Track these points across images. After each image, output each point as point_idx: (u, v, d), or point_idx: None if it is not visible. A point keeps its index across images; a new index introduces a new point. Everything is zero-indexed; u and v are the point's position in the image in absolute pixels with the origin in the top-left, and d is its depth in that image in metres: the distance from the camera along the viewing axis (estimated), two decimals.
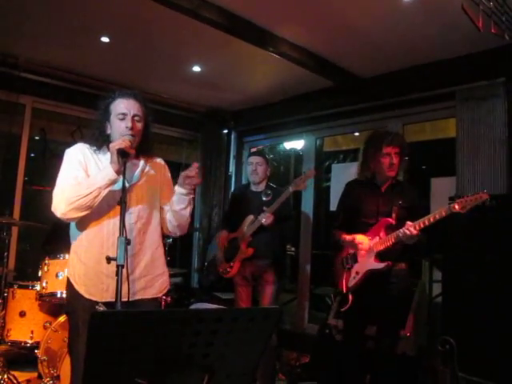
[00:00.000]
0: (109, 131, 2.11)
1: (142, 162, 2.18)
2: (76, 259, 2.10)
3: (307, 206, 5.09)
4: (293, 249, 5.93)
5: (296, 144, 6.04)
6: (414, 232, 2.62)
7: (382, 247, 2.80)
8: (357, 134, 5.07)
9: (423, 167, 5.49)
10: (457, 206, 2.48)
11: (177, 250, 5.72)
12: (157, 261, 2.20)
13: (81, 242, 2.09)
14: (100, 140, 2.10)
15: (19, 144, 4.52)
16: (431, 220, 2.59)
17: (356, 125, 4.75)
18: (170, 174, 2.36)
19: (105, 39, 3.79)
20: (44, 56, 4.25)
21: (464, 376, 2.86)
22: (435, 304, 3.72)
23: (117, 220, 1.92)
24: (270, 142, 6.18)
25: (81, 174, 2.03)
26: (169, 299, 3.86)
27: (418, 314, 3.51)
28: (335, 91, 4.58)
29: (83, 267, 2.07)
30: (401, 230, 2.67)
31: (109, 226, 2.05)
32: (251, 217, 3.58)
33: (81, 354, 1.96)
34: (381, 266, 2.79)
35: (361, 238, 2.89)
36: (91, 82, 4.64)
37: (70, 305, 2.14)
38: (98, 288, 2.03)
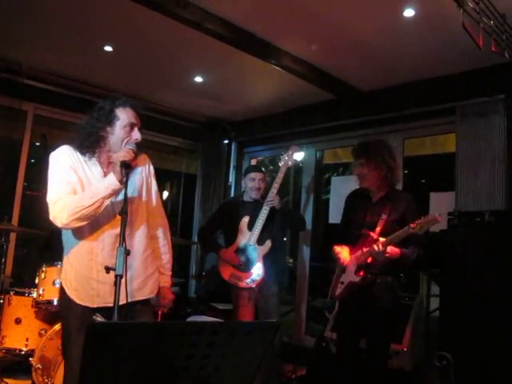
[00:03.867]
0: (106, 134, 2.06)
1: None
2: (69, 265, 2.10)
3: (306, 218, 5.06)
4: (291, 260, 5.92)
5: (296, 156, 6.04)
6: (381, 248, 2.67)
7: (359, 261, 2.84)
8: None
9: (422, 181, 5.51)
10: (415, 227, 2.57)
11: (174, 259, 5.70)
12: (146, 261, 2.20)
13: (73, 247, 2.09)
14: (91, 139, 2.05)
15: (20, 150, 4.54)
16: (396, 238, 2.66)
17: (356, 138, 4.74)
18: (153, 174, 2.31)
19: (108, 48, 3.82)
20: (47, 63, 4.28)
21: None
22: (432, 319, 3.71)
23: (108, 227, 2.02)
24: (270, 154, 6.19)
25: (73, 178, 2.01)
26: (166, 309, 3.84)
27: (415, 328, 3.49)
28: (336, 104, 4.61)
29: (74, 272, 2.08)
30: (373, 246, 2.73)
31: (98, 232, 2.04)
32: (247, 217, 3.59)
33: (73, 361, 1.99)
34: (356, 279, 2.84)
35: (339, 249, 2.98)
36: (93, 90, 4.66)
37: (63, 311, 2.15)
38: (88, 294, 2.04)
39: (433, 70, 3.79)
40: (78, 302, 2.04)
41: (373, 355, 2.85)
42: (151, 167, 2.30)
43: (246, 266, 3.53)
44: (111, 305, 1.95)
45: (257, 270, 3.50)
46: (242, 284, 3.51)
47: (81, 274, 2.05)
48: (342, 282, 2.95)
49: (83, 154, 2.07)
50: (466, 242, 3.13)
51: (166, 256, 2.35)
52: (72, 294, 2.06)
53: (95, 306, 2.02)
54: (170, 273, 2.38)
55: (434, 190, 4.10)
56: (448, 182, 3.81)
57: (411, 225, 2.60)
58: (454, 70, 3.70)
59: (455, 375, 2.86)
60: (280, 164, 3.71)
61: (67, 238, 2.11)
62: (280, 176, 3.64)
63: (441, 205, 3.81)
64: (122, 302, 1.94)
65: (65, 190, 1.98)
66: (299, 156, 5.49)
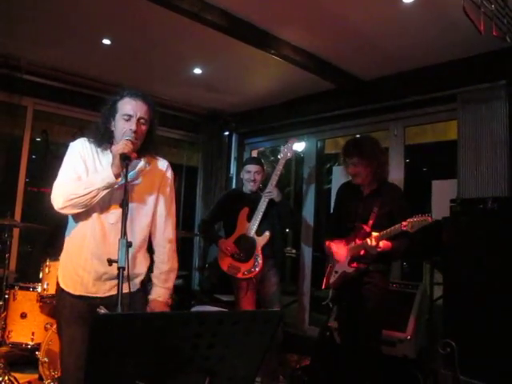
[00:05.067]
0: (113, 128, 2.09)
1: (141, 162, 2.16)
2: (65, 249, 2.15)
3: (308, 207, 5.09)
4: (294, 251, 5.92)
5: (297, 146, 6.03)
6: (374, 243, 2.80)
7: (353, 252, 2.99)
8: (358, 136, 5.07)
9: (424, 169, 5.50)
10: (406, 226, 2.70)
11: (178, 251, 5.72)
12: (135, 261, 2.12)
13: (70, 233, 2.13)
14: (104, 135, 2.10)
15: (21, 146, 4.54)
16: (388, 233, 2.79)
17: (357, 127, 4.75)
18: (171, 182, 2.28)
19: (106, 41, 3.80)
20: (46, 58, 4.26)
21: (465, 379, 2.85)
22: (436, 306, 3.71)
23: (101, 217, 2.03)
24: (270, 144, 6.18)
25: (80, 167, 2.05)
26: (169, 301, 3.85)
27: (418, 316, 3.50)
28: (336, 93, 4.58)
29: (65, 257, 2.13)
30: (365, 240, 2.85)
31: (92, 221, 2.04)
32: (246, 209, 3.61)
33: (64, 350, 2.03)
34: (350, 270, 3.00)
35: (336, 247, 3.12)
36: (93, 84, 4.65)
37: (57, 303, 2.18)
38: (72, 280, 2.06)
39: (433, 57, 3.76)
40: (62, 286, 2.07)
41: (365, 340, 2.95)
42: (168, 173, 2.27)
43: (244, 257, 3.56)
44: (93, 295, 2.04)
45: (254, 261, 3.52)
46: (240, 274, 3.54)
47: (70, 259, 2.09)
48: (336, 272, 3.10)
49: (99, 146, 2.11)
50: (469, 229, 3.12)
51: (163, 266, 2.23)
52: (59, 278, 2.11)
53: (77, 293, 2.04)
54: (167, 286, 2.22)
55: (436, 178, 4.08)
56: (450, 170, 3.80)
57: (403, 223, 2.71)
58: (455, 56, 3.67)
59: (459, 362, 2.86)
60: (279, 156, 3.74)
61: (70, 223, 2.14)
62: (279, 168, 3.67)
63: (443, 193, 3.80)
64: (100, 294, 2.03)
65: (69, 176, 2.02)
66: (300, 146, 5.50)
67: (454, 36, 3.31)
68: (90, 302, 2.03)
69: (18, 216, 4.38)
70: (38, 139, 4.86)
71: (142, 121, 2.06)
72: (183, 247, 5.78)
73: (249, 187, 3.72)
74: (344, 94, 4.56)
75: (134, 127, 2.02)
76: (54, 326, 3.22)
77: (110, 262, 1.74)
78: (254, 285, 3.53)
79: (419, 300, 3.58)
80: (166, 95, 5.11)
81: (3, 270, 3.55)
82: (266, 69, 4.26)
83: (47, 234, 4.12)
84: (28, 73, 4.32)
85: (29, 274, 4.11)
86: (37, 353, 3.25)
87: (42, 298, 3.41)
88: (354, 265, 2.98)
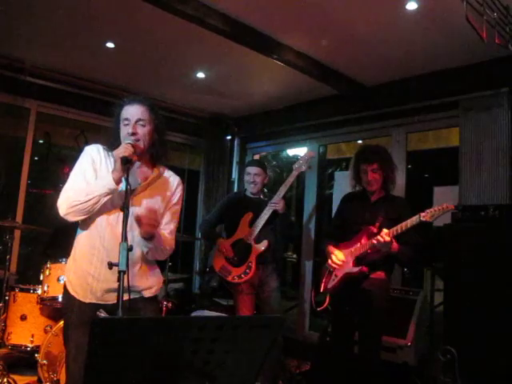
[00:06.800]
0: (119, 133, 2.11)
1: (154, 173, 2.16)
2: (72, 258, 2.14)
3: (309, 213, 5.09)
4: (294, 256, 5.91)
5: (299, 151, 6.04)
6: (387, 239, 2.69)
7: (359, 252, 2.92)
8: (360, 141, 5.08)
9: (426, 176, 5.50)
10: (425, 216, 2.60)
11: (178, 255, 5.73)
12: (137, 275, 2.12)
13: (79, 240, 2.12)
14: (114, 139, 2.10)
15: (23, 147, 4.54)
16: (403, 228, 2.68)
17: (359, 133, 4.76)
18: (180, 199, 2.27)
19: (110, 45, 3.82)
20: (50, 61, 4.28)
21: None
22: (437, 313, 3.71)
23: (109, 225, 2.02)
24: (273, 149, 6.18)
25: (90, 171, 2.05)
26: (170, 305, 3.85)
27: (419, 323, 3.50)
28: (339, 99, 4.59)
29: (74, 265, 2.11)
30: (376, 237, 2.76)
31: (101, 228, 2.04)
32: (250, 214, 3.59)
33: (69, 355, 2.03)
34: (355, 270, 2.92)
35: (336, 253, 3.05)
36: (96, 87, 4.66)
37: (64, 306, 2.18)
38: (82, 287, 2.06)
39: (436, 64, 3.77)
40: (72, 293, 2.07)
41: (365, 349, 2.93)
42: (179, 190, 2.27)
43: (238, 261, 3.55)
44: (103, 302, 2.04)
45: (246, 268, 3.50)
46: (230, 278, 3.53)
47: (80, 268, 2.08)
48: (336, 275, 3.05)
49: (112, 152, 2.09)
50: (470, 236, 3.12)
51: None
52: (68, 286, 2.10)
53: (87, 301, 2.04)
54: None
55: (438, 185, 4.08)
56: (452, 177, 3.80)
57: (422, 213, 2.61)
58: (458, 63, 3.69)
59: (460, 369, 2.85)
60: (293, 167, 3.60)
61: (78, 231, 2.13)
62: (290, 180, 3.56)
63: (445, 199, 3.75)
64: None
65: (77, 181, 2.03)
66: (301, 152, 5.51)
67: (456, 43, 3.33)
68: (98, 308, 2.03)
69: (19, 217, 4.38)
70: (41, 141, 4.87)
71: (140, 122, 2.07)
72: (184, 251, 5.80)
73: (249, 189, 3.71)
74: (346, 100, 4.57)
75: (130, 130, 2.03)
76: (54, 329, 3.23)
77: (111, 265, 1.73)
78: (249, 289, 3.52)
79: (420, 306, 3.57)
80: (168, 99, 5.13)
81: (4, 272, 3.55)
82: (268, 73, 4.27)
83: (48, 235, 4.12)
84: (32, 75, 4.34)
85: (29, 276, 4.11)
86: (36, 355, 3.23)
87: (42, 300, 3.40)
88: (359, 265, 2.92)
